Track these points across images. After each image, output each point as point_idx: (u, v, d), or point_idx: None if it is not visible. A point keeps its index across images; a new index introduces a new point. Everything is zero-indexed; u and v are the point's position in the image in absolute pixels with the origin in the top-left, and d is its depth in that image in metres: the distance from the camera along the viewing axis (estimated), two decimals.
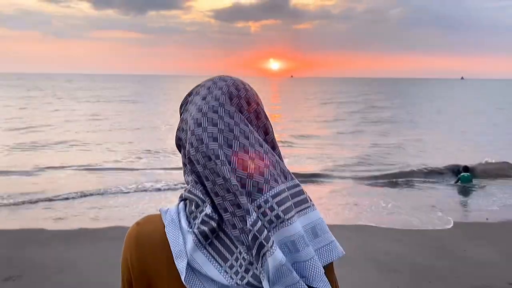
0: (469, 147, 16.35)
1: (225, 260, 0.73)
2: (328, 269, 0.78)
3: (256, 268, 0.71)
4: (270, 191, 0.74)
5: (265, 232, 0.70)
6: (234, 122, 0.77)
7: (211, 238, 0.75)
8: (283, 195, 0.75)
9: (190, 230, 0.75)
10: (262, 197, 0.73)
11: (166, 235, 0.77)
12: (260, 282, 0.71)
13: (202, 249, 0.74)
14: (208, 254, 0.74)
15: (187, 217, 0.78)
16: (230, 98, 0.80)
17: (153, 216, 0.84)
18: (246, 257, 0.72)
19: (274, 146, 0.83)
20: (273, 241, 0.70)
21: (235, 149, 0.75)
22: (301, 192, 0.79)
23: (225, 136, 0.75)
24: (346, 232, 6.52)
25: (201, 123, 0.76)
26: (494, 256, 5.52)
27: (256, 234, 0.70)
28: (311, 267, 0.72)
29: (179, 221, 0.78)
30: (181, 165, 0.87)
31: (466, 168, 10.57)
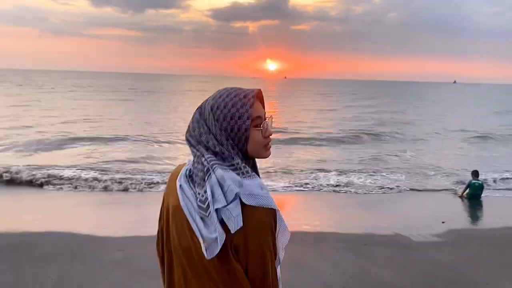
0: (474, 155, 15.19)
1: (194, 183, 1.18)
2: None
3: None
4: (210, 157, 1.16)
5: (208, 165, 1.15)
6: (205, 120, 1.22)
7: (190, 174, 1.21)
8: (215, 160, 1.16)
9: (185, 168, 1.25)
10: (203, 158, 1.16)
11: (178, 182, 1.23)
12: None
13: (186, 177, 1.20)
14: (188, 180, 1.19)
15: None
16: (211, 105, 1.22)
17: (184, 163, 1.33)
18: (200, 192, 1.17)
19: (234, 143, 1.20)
20: (214, 168, 1.14)
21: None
22: (236, 168, 1.17)
23: (199, 125, 1.22)
24: (331, 251, 5.20)
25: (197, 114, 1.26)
26: None
27: (205, 164, 1.14)
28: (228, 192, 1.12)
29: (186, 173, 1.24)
30: None
31: (475, 173, 8.89)
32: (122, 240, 5.49)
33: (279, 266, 1.22)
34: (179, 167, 1.30)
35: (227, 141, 1.17)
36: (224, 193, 1.10)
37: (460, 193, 8.90)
